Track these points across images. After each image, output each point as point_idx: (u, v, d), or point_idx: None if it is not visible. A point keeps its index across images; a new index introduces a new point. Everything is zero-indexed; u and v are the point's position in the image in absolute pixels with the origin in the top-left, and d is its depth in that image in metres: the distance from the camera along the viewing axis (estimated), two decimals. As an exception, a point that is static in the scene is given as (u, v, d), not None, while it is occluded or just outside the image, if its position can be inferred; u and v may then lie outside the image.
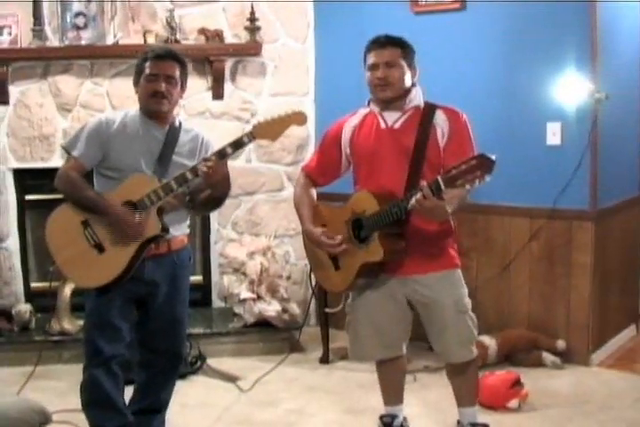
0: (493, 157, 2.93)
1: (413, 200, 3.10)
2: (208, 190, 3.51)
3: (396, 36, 3.47)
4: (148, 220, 3.39)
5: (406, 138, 3.42)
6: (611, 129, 4.87)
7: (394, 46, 3.43)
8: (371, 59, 3.45)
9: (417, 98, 3.49)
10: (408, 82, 3.45)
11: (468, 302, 3.55)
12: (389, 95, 3.43)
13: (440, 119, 3.43)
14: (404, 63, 3.43)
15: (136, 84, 3.52)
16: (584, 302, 4.84)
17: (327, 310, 5.13)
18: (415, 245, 3.39)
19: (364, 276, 3.47)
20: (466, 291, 3.56)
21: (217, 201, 3.61)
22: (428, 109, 3.46)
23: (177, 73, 3.48)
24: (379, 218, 3.31)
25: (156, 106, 3.47)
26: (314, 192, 3.73)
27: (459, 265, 3.57)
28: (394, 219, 3.27)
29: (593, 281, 4.83)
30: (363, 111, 3.60)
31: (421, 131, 3.41)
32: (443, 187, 3.00)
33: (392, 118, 3.48)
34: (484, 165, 2.93)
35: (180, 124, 3.61)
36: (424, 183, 3.08)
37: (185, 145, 3.57)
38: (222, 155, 3.37)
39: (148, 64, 3.45)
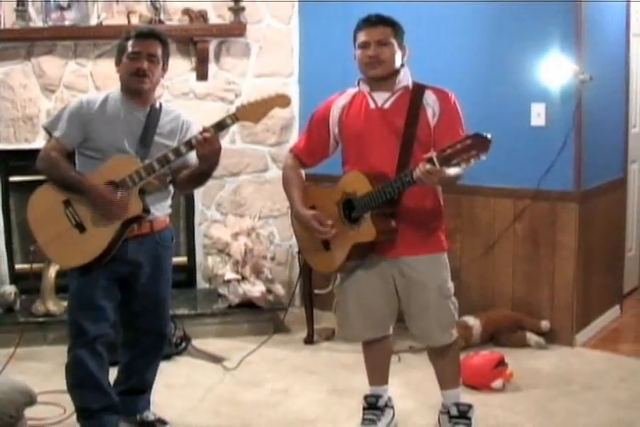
0: (489, 136, 2.94)
1: (419, 173, 3.07)
2: (191, 167, 3.53)
3: (387, 15, 3.46)
4: (129, 200, 3.39)
5: (396, 118, 3.42)
6: (595, 110, 4.87)
7: (385, 25, 3.42)
8: (362, 37, 3.43)
9: (406, 78, 3.48)
10: (398, 61, 3.45)
11: (451, 286, 3.56)
12: (380, 73, 3.42)
13: (430, 99, 3.43)
14: (394, 42, 3.42)
15: (118, 63, 3.51)
16: (568, 282, 4.86)
17: (317, 291, 5.14)
18: (406, 225, 3.40)
19: (355, 257, 3.46)
20: (449, 275, 3.57)
21: (203, 176, 3.59)
22: (418, 90, 3.46)
23: (159, 51, 3.48)
24: (371, 198, 3.30)
25: (137, 84, 3.46)
26: (302, 173, 3.72)
27: (446, 249, 3.58)
28: (387, 199, 3.28)
29: (577, 262, 4.85)
30: (351, 91, 3.58)
31: (412, 111, 3.41)
32: (438, 166, 3.00)
33: (382, 98, 3.47)
34: (479, 143, 2.95)
35: (161, 105, 3.61)
36: (431, 155, 3.03)
37: (166, 126, 3.56)
38: (221, 127, 3.37)
39: (130, 43, 3.45)
